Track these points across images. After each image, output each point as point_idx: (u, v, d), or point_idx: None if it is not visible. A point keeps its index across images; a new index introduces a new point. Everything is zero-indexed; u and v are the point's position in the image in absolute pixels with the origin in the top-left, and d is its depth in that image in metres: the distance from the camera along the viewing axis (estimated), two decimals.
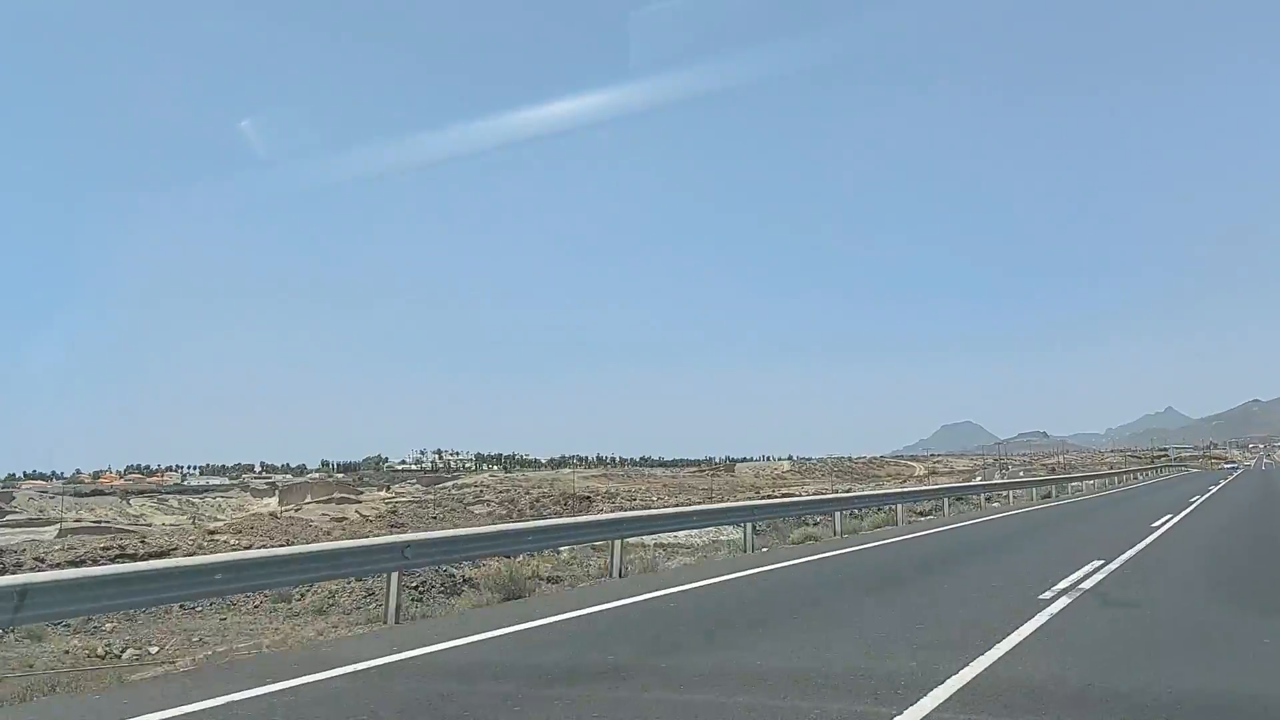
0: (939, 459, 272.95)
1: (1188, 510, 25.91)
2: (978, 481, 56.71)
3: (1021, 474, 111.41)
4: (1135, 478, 61.57)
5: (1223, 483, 48.72)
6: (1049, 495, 38.40)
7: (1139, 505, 28.77)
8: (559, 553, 15.36)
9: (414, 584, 11.42)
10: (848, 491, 70.50)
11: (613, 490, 73.93)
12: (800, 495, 63.38)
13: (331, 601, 11.17)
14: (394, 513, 40.48)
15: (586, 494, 67.11)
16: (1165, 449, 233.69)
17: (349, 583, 11.55)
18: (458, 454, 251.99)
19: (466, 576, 12.80)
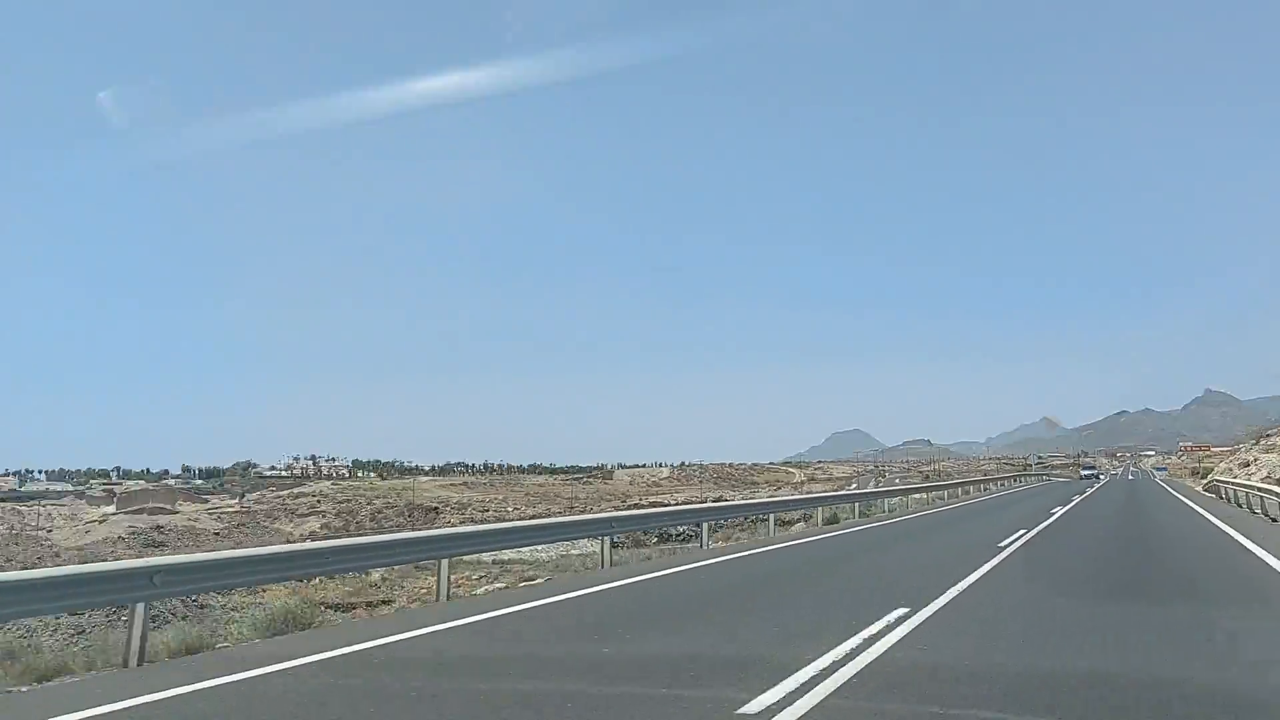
0: (820, 466, 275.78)
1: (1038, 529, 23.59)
2: (853, 490, 56.33)
3: (898, 481, 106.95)
4: (991, 486, 61.13)
5: (1088, 490, 48.11)
6: (923, 503, 37.96)
7: (991, 520, 26.66)
8: (367, 575, 14.30)
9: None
10: (718, 500, 68.46)
11: (467, 500, 70.05)
12: (670, 504, 60.94)
13: (27, 643, 9.08)
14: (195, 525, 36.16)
15: (435, 505, 62.94)
16: (1040, 457, 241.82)
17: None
18: (334, 460, 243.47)
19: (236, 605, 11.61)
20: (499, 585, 14.06)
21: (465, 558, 14.48)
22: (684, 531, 23.72)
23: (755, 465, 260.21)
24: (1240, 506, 30.65)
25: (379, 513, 48.55)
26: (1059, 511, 29.79)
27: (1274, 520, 24.41)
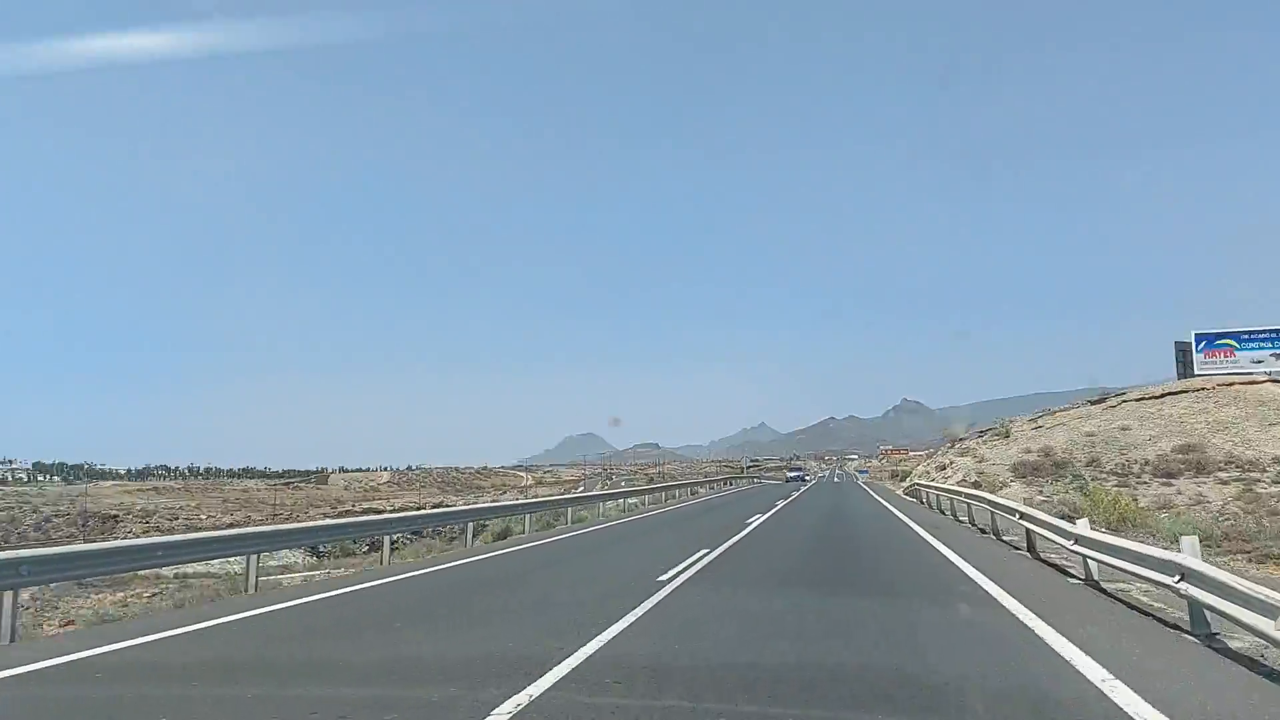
0: (549, 470, 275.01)
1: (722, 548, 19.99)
2: (579, 493, 55.29)
3: (623, 484, 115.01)
4: (701, 490, 59.88)
5: (793, 495, 46.95)
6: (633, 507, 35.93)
7: (678, 534, 23.07)
8: None
9: None
10: (438, 506, 63.22)
11: (154, 508, 63.78)
12: (387, 511, 56.37)
13: None
14: None
15: (115, 513, 56.70)
16: (756, 460, 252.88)
17: None
18: (10, 461, 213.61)
19: None
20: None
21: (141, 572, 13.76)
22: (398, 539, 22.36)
23: (484, 469, 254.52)
24: (943, 513, 29.39)
25: (46, 521, 41.30)
26: (755, 522, 26.65)
27: (975, 528, 22.76)
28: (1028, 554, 15.96)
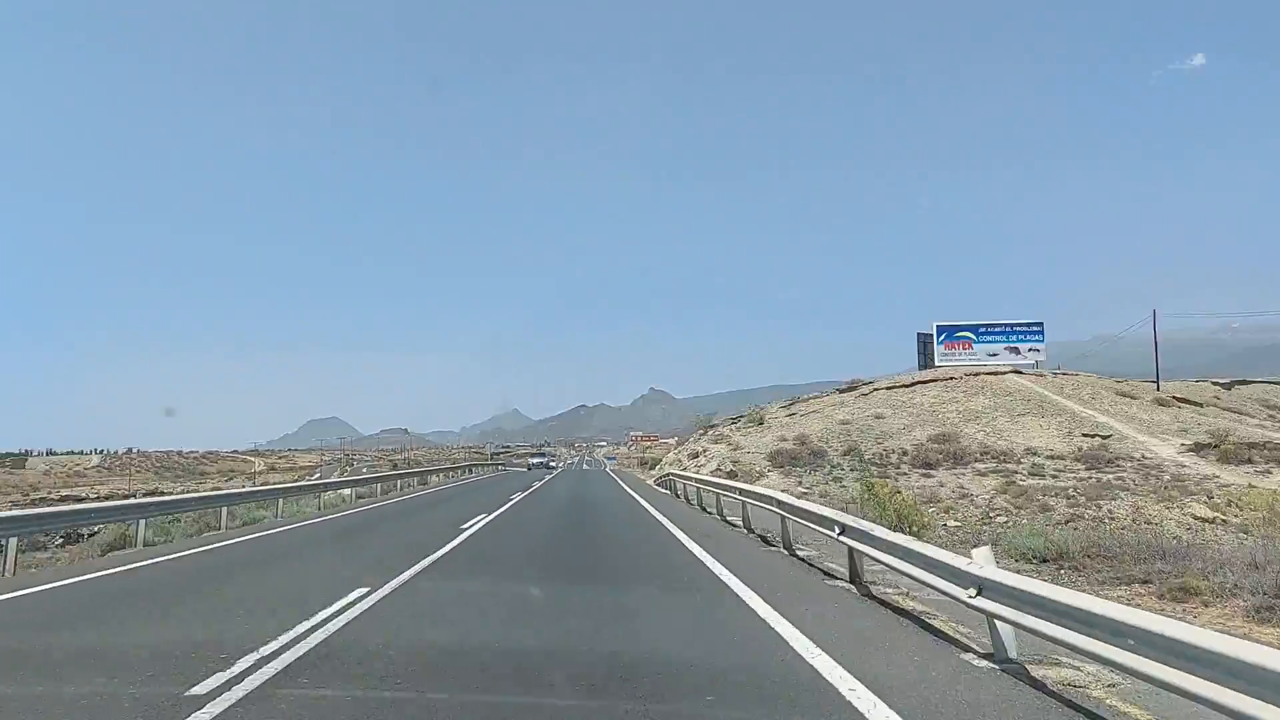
0: (284, 455, 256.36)
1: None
2: (315, 479, 52.01)
3: (365, 470, 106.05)
4: (438, 477, 53.37)
5: (535, 485, 41.32)
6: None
7: (352, 552, 16.17)
8: None
9: None
10: (152, 494, 54.60)
11: None
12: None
13: None
14: None
15: None
16: (507, 446, 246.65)
17: None
18: None
19: None
20: None
21: None
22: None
23: (210, 454, 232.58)
24: (705, 510, 24.71)
25: None
26: (474, 526, 20.77)
27: (743, 530, 18.24)
28: (784, 550, 14.60)
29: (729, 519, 21.13)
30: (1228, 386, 78.97)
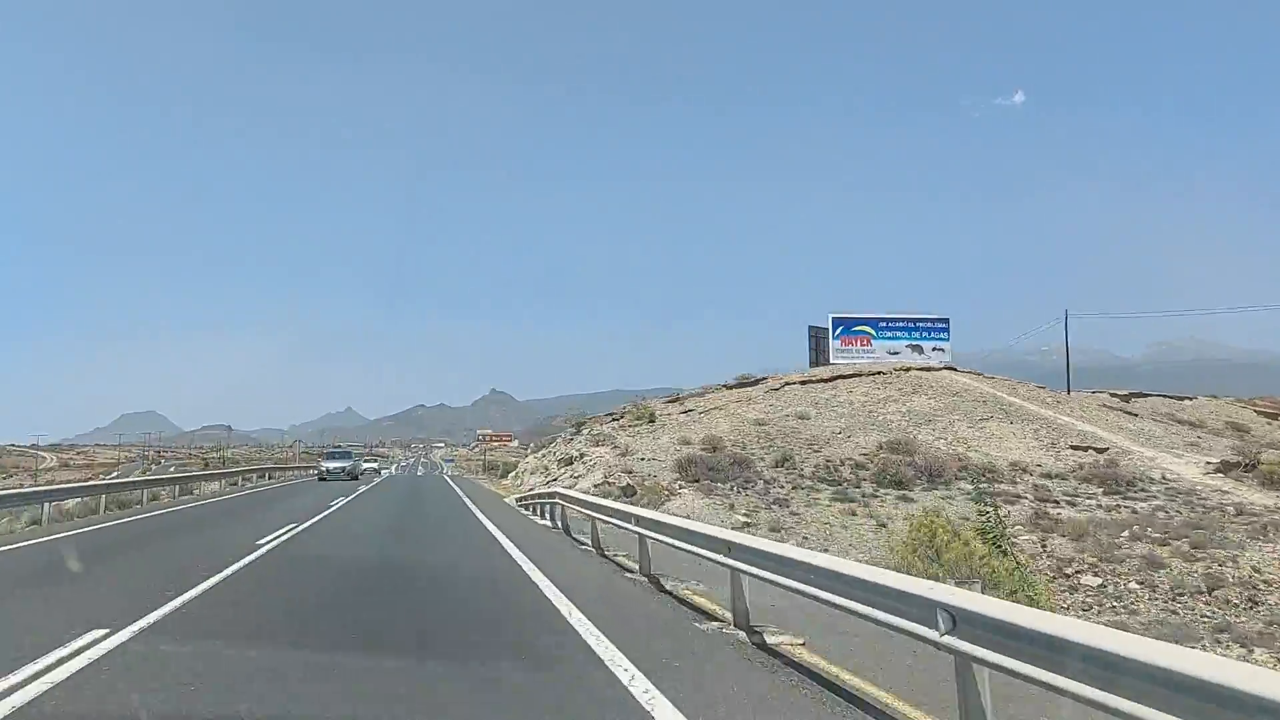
0: (84, 451, 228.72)
1: None
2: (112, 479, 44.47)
3: (172, 469, 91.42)
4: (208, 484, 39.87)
5: (330, 507, 28.35)
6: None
7: None
8: None
9: None
10: None
11: None
12: None
13: None
14: None
15: None
16: (340, 445, 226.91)
17: None
18: None
19: None
20: None
21: None
22: None
23: None
24: (589, 547, 13.45)
25: None
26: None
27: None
28: None
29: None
30: (1125, 399, 73.85)
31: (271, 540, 14.38)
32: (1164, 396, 78.25)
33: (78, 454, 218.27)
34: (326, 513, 21.30)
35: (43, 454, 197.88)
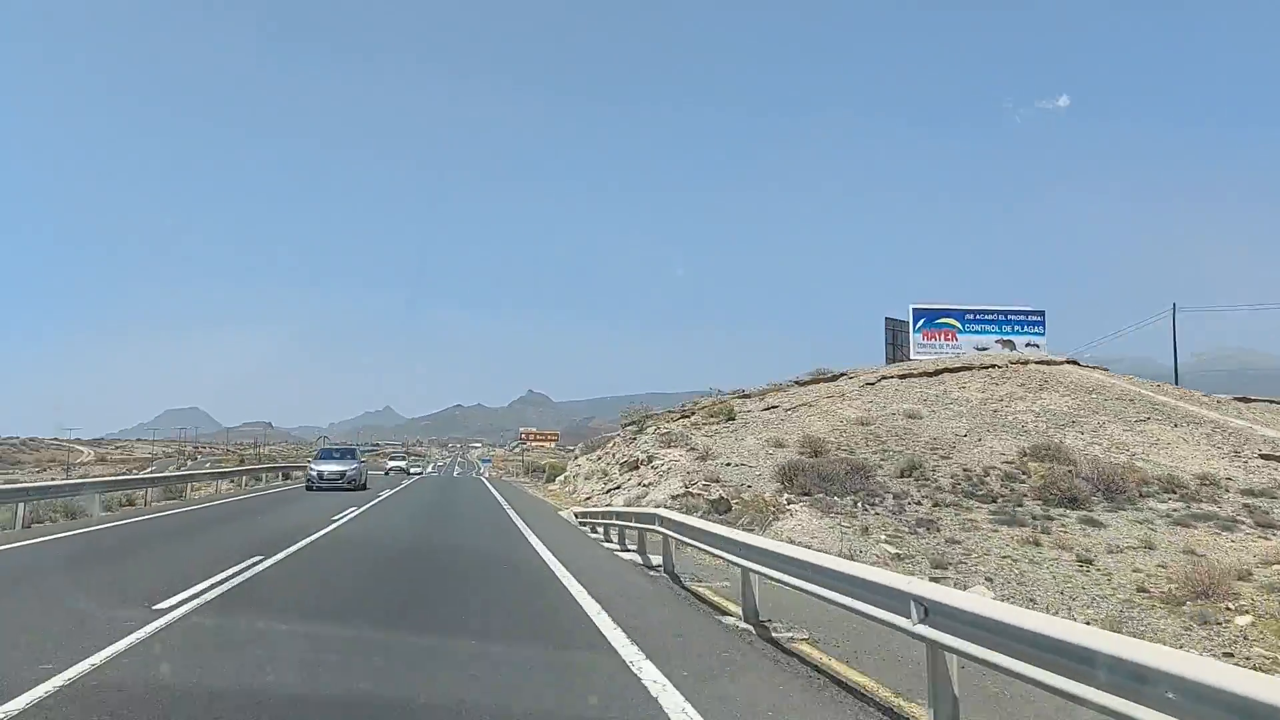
0: (122, 445, 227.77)
1: None
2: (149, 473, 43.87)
3: (208, 466, 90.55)
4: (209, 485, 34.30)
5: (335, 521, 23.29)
6: None
7: None
8: None
9: None
10: None
11: None
12: None
13: None
14: None
15: None
16: (378, 444, 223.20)
17: None
18: None
19: None
20: None
21: None
22: None
23: (32, 440, 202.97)
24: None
25: None
26: None
27: None
28: None
29: None
30: (1245, 401, 66.95)
31: (175, 609, 8.54)
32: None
33: (116, 449, 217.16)
34: (311, 539, 15.31)
35: (80, 448, 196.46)
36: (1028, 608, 7.67)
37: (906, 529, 18.55)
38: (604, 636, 7.54)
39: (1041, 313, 56.63)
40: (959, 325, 56.24)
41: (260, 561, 11.53)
